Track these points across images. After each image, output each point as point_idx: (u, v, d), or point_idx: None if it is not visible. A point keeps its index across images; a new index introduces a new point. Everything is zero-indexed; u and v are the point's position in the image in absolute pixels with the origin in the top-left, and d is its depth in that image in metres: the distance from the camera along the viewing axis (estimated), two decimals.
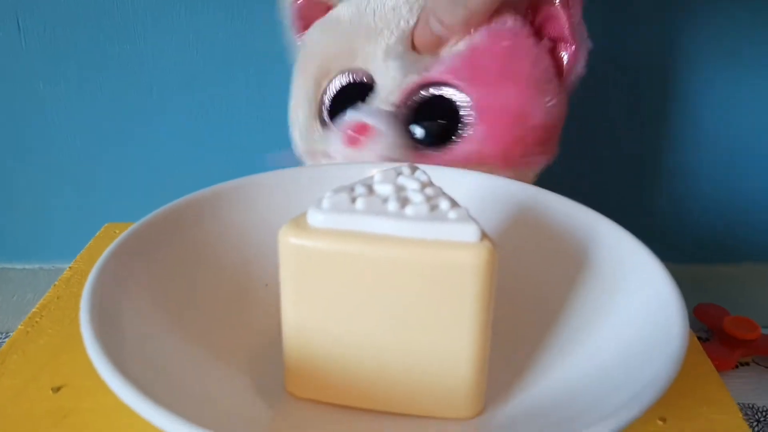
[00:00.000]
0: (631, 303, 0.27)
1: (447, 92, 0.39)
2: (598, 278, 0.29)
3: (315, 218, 0.25)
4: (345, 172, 0.35)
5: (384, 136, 0.37)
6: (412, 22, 0.39)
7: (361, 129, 0.37)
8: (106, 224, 0.44)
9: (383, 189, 0.26)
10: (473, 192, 0.34)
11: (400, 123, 0.38)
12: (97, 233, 0.43)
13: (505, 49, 0.38)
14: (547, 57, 0.39)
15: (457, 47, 0.38)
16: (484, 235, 0.24)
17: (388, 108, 0.39)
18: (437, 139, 0.39)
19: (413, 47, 0.39)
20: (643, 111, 0.57)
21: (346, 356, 0.25)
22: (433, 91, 0.39)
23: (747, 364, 0.50)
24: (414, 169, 0.28)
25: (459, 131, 0.39)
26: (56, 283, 0.38)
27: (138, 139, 0.58)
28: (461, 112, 0.38)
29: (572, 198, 0.32)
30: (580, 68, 0.40)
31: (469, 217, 0.24)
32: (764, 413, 0.45)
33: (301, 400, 0.27)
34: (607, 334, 0.26)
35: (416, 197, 0.25)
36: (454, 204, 0.25)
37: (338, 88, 0.41)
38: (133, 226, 0.29)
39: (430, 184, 0.26)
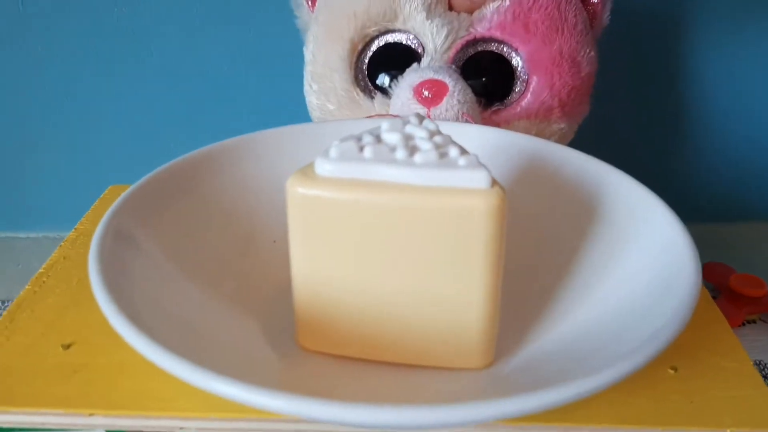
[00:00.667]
0: (643, 251, 0.26)
1: (499, 47, 0.39)
2: (609, 227, 0.29)
3: (323, 167, 0.24)
4: (356, 125, 0.35)
5: (459, 92, 0.36)
6: None
7: (437, 86, 0.36)
8: (110, 186, 0.44)
9: (391, 138, 0.25)
10: (482, 146, 0.33)
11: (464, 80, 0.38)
12: (102, 195, 0.43)
13: (551, 1, 0.38)
14: (582, 7, 0.40)
15: (498, 4, 0.38)
16: (494, 182, 0.24)
17: (439, 64, 0.38)
18: (496, 93, 0.39)
19: (450, 6, 0.39)
20: (652, 69, 0.56)
21: (356, 307, 0.25)
22: (482, 47, 0.39)
23: (754, 321, 0.50)
24: (422, 119, 0.27)
25: (516, 85, 0.39)
26: (62, 243, 0.37)
27: (139, 100, 0.57)
28: (515, 66, 0.39)
29: None
30: (606, 18, 0.41)
31: (479, 164, 0.24)
32: None
33: (311, 352, 0.27)
34: (618, 282, 0.26)
35: (425, 145, 0.25)
36: (463, 151, 0.25)
37: (376, 51, 0.40)
38: (139, 181, 0.29)
39: (439, 132, 0.26)
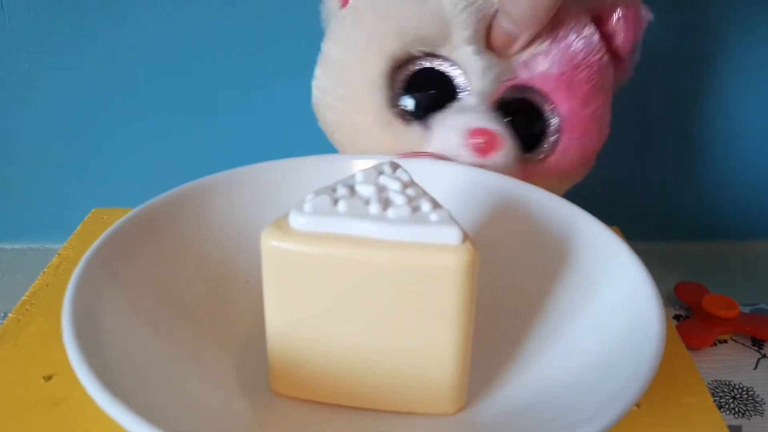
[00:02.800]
0: (609, 302, 0.27)
1: (535, 98, 0.38)
2: (577, 275, 0.29)
3: (297, 221, 0.25)
4: (328, 164, 0.35)
5: (510, 149, 0.35)
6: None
7: (492, 137, 0.35)
8: (93, 209, 0.44)
9: (365, 190, 0.26)
10: (456, 184, 0.34)
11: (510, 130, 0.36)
12: (85, 218, 0.43)
13: (597, 62, 0.37)
14: (612, 65, 0.39)
15: (544, 47, 0.37)
16: (465, 237, 0.24)
17: (484, 107, 0.36)
18: (524, 143, 0.38)
19: (487, 44, 0.37)
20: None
21: (329, 356, 0.26)
22: (521, 94, 0.38)
23: (725, 341, 0.51)
24: (395, 168, 0.27)
25: (544, 140, 0.38)
26: (45, 270, 0.38)
27: (124, 123, 0.57)
28: (547, 121, 0.38)
29: None
30: (626, 79, 0.40)
31: (451, 219, 0.24)
32: (740, 390, 0.47)
33: (284, 398, 0.27)
34: (585, 333, 0.27)
35: (398, 199, 0.25)
36: (436, 205, 0.25)
37: (412, 75, 0.37)
38: (114, 225, 0.29)
39: (412, 183, 0.27)
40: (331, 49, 0.39)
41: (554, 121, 0.38)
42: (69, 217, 0.50)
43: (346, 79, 0.38)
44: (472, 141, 0.35)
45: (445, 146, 0.35)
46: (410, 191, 0.26)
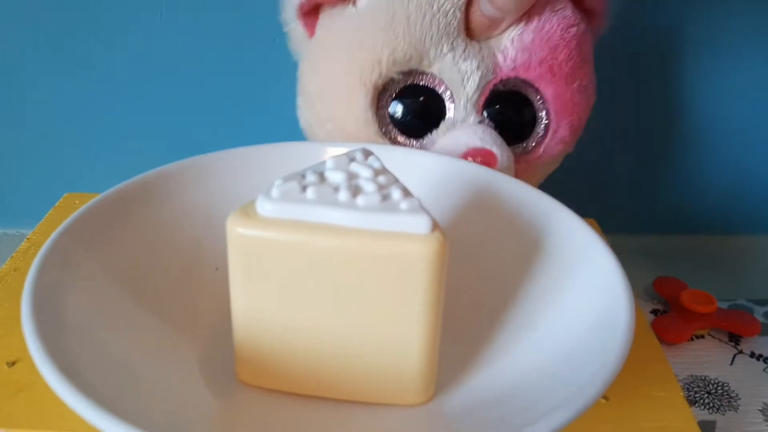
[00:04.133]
0: (581, 294, 0.27)
1: (521, 88, 0.38)
2: (550, 266, 0.29)
3: (264, 207, 0.24)
4: (300, 151, 0.35)
5: (504, 161, 0.35)
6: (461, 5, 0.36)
7: (486, 156, 0.35)
8: (66, 194, 0.43)
9: (335, 177, 0.25)
10: (430, 174, 0.33)
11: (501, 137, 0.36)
12: (57, 203, 0.42)
13: (574, 36, 0.37)
14: (590, 32, 0.39)
15: (520, 32, 0.36)
16: (435, 226, 0.24)
17: (475, 117, 0.36)
18: (514, 133, 0.38)
19: (467, 32, 0.36)
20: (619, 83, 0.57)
21: (296, 344, 0.25)
22: (507, 87, 0.37)
23: (703, 336, 0.51)
24: (368, 155, 0.27)
25: (535, 126, 0.38)
26: (13, 255, 0.37)
27: (97, 107, 0.56)
28: (536, 107, 0.38)
29: None
30: (603, 31, 0.40)
31: (421, 208, 0.24)
32: (715, 385, 0.47)
33: (251, 387, 0.27)
34: (555, 324, 0.27)
35: (368, 186, 0.25)
36: (406, 194, 0.25)
37: (397, 95, 0.37)
38: (82, 207, 0.29)
39: (384, 171, 0.26)
40: (309, 83, 0.39)
41: (543, 107, 0.38)
42: (45, 203, 0.49)
43: (332, 115, 0.38)
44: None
45: None
46: (381, 179, 0.25)
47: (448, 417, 0.25)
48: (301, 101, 0.40)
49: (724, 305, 0.54)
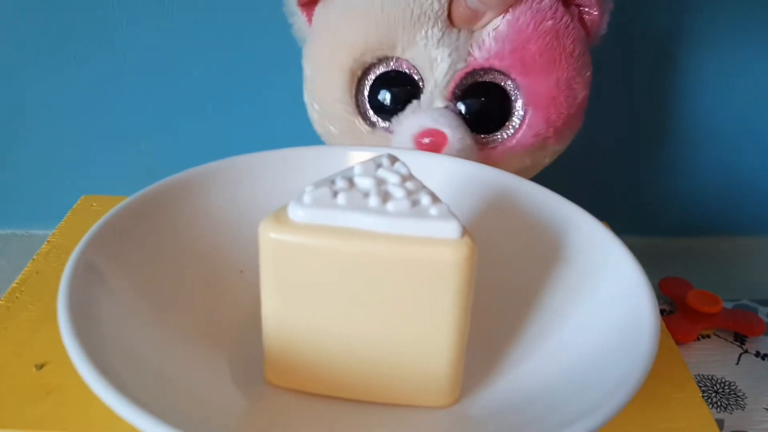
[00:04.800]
0: (605, 297, 0.27)
1: (496, 78, 0.38)
2: (571, 270, 0.30)
3: (296, 213, 0.24)
4: (321, 155, 0.35)
5: (457, 141, 0.36)
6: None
7: (434, 136, 0.36)
8: (83, 196, 0.43)
9: (364, 182, 0.26)
10: (450, 178, 0.34)
11: (462, 118, 0.38)
12: (75, 205, 0.42)
13: (548, 30, 0.37)
14: (579, 27, 0.39)
15: (497, 25, 0.37)
16: (465, 232, 0.24)
17: (441, 102, 0.38)
18: (491, 125, 0.39)
19: (450, 22, 0.37)
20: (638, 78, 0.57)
21: (325, 347, 0.26)
22: (480, 77, 0.38)
23: (708, 336, 0.52)
24: (394, 161, 0.27)
25: (510, 117, 0.39)
26: (35, 257, 0.37)
27: (114, 108, 0.56)
28: (511, 97, 0.38)
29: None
30: (603, 30, 0.40)
31: (451, 214, 0.24)
32: (722, 384, 0.47)
33: (279, 389, 0.27)
34: (580, 327, 0.27)
35: (397, 192, 0.25)
36: (435, 199, 0.25)
37: (375, 80, 0.39)
38: (108, 213, 0.29)
39: (411, 177, 0.26)
40: (306, 68, 0.42)
41: (516, 98, 0.39)
42: (54, 204, 0.49)
43: (318, 96, 0.41)
44: (420, 143, 0.37)
45: (397, 144, 0.38)
46: (409, 184, 0.26)
47: (474, 419, 0.26)
48: (304, 84, 0.42)
49: (729, 305, 0.55)
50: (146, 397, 0.22)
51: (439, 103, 0.38)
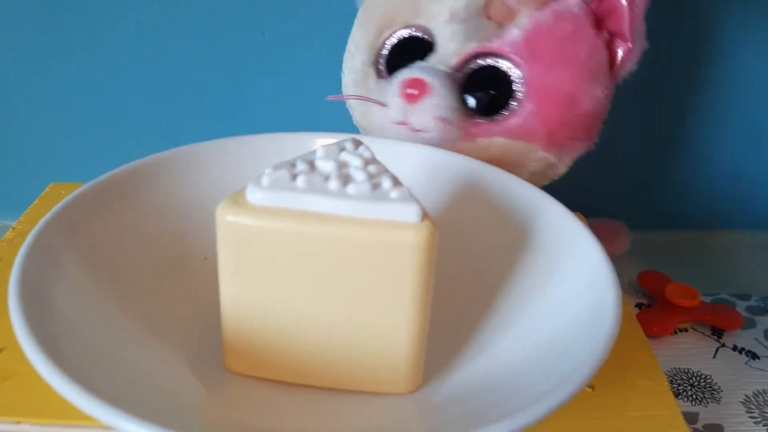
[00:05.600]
0: (569, 285, 0.27)
1: (503, 64, 0.39)
2: (537, 257, 0.29)
3: (254, 195, 0.24)
4: (289, 142, 0.34)
5: (441, 97, 0.38)
6: None
7: (418, 85, 0.38)
8: (51, 184, 0.43)
9: (325, 166, 0.25)
10: (420, 165, 0.33)
11: (456, 86, 0.39)
12: (42, 193, 0.42)
13: (566, 32, 0.38)
14: (603, 49, 0.39)
15: (522, 21, 0.38)
16: (425, 215, 0.24)
17: (445, 69, 0.39)
18: (488, 108, 0.39)
19: (488, 15, 0.39)
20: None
21: (285, 333, 0.25)
22: (489, 61, 0.39)
23: (686, 330, 0.52)
24: (358, 144, 0.27)
25: (509, 104, 0.39)
26: None
27: (82, 96, 0.56)
28: (514, 86, 0.39)
29: None
30: (632, 66, 0.40)
31: (411, 197, 0.24)
32: (698, 378, 0.47)
33: (239, 376, 0.27)
34: (544, 314, 0.27)
35: (358, 175, 0.25)
36: (396, 183, 0.25)
37: (398, 41, 0.42)
38: (70, 196, 0.28)
39: (374, 161, 0.26)
40: (349, 42, 0.45)
41: (517, 87, 0.39)
42: (25, 194, 0.48)
43: (350, 52, 0.44)
44: (403, 91, 0.38)
45: (389, 96, 0.39)
46: (372, 168, 0.25)
47: (435, 405, 0.26)
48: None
49: (708, 300, 0.54)
50: (101, 384, 0.21)
51: (442, 69, 0.39)
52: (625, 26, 0.39)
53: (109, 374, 0.23)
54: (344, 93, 0.44)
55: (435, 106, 0.37)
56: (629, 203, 0.62)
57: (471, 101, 0.39)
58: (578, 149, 0.41)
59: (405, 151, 0.34)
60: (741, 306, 0.55)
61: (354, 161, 0.26)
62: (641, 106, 0.58)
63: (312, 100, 0.54)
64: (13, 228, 0.38)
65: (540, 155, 0.40)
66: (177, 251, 0.31)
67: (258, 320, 0.25)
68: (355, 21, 0.44)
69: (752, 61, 0.57)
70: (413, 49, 0.41)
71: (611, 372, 0.29)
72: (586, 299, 0.26)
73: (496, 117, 0.39)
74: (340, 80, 0.46)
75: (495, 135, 0.39)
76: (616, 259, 0.57)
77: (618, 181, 0.61)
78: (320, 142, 0.34)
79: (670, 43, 0.56)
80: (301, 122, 0.54)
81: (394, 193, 0.24)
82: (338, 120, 0.45)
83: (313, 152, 0.26)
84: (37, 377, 0.26)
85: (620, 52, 0.39)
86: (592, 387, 0.28)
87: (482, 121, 0.39)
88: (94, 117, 0.56)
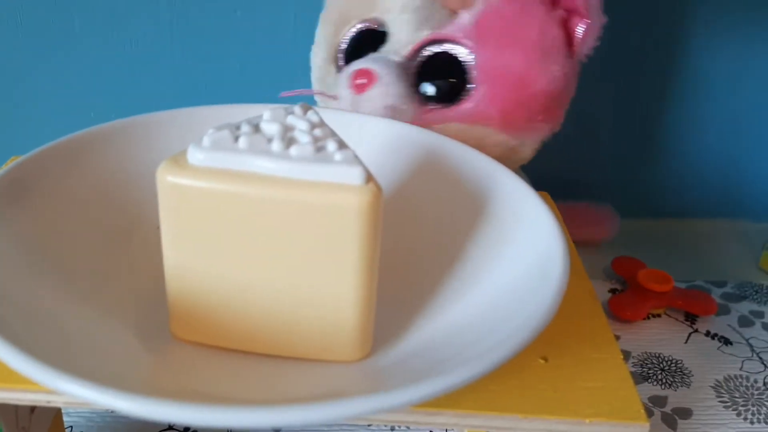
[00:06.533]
0: (520, 251, 0.27)
1: (455, 50, 0.39)
2: (492, 225, 0.29)
3: (195, 156, 0.24)
4: (245, 112, 0.34)
5: (388, 85, 0.38)
6: None
7: (366, 75, 0.38)
8: (12, 157, 0.42)
9: (270, 128, 0.25)
10: (378, 137, 0.33)
11: (408, 75, 0.39)
12: (2, 165, 0.41)
13: (514, 12, 0.38)
14: (556, 27, 0.39)
15: (475, 7, 0.39)
16: (369, 178, 0.24)
17: (397, 59, 0.39)
18: (444, 95, 0.40)
19: (443, 3, 0.39)
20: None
21: (230, 298, 0.25)
22: (442, 48, 0.39)
23: (659, 315, 0.51)
24: (306, 110, 0.27)
25: (465, 90, 0.39)
26: None
27: (51, 67, 0.55)
28: (467, 71, 0.39)
29: None
30: (591, 42, 0.40)
31: (356, 159, 0.24)
32: (669, 362, 0.47)
33: (185, 343, 0.26)
34: (493, 279, 0.26)
35: (303, 137, 0.24)
36: (342, 145, 0.24)
37: (354, 34, 0.42)
38: (17, 160, 0.28)
39: (321, 124, 0.26)
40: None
41: (469, 72, 0.39)
42: None
43: (313, 50, 0.45)
44: (352, 81, 0.39)
45: (340, 88, 0.40)
46: (317, 131, 0.25)
47: (379, 370, 0.25)
48: None
49: (683, 286, 0.54)
50: (43, 349, 0.21)
51: (394, 58, 0.39)
52: (580, 2, 0.38)
53: (54, 340, 0.22)
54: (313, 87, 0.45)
55: (383, 94, 0.38)
56: (608, 191, 0.62)
57: (427, 89, 0.39)
58: (540, 131, 0.41)
59: (360, 123, 0.34)
60: (716, 293, 0.55)
61: (300, 124, 0.25)
62: (619, 95, 0.58)
63: (283, 81, 0.54)
64: None
65: (498, 139, 0.39)
66: (129, 220, 0.30)
67: (202, 284, 0.25)
68: (319, 19, 0.45)
69: (729, 49, 0.57)
70: (369, 42, 0.42)
71: (567, 345, 0.28)
72: (534, 259, 0.25)
73: (452, 103, 0.39)
74: (309, 61, 0.46)
75: (449, 121, 0.39)
76: (602, 244, 0.57)
77: (596, 170, 0.61)
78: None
79: (649, 28, 0.56)
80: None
81: (338, 156, 0.24)
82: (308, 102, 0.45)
83: (260, 116, 0.26)
84: None
85: (578, 30, 0.39)
86: (545, 359, 0.28)
87: (437, 107, 0.39)
88: (55, 90, 0.56)
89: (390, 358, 0.26)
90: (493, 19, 0.38)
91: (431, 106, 0.39)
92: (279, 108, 0.26)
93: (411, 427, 0.42)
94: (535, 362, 0.27)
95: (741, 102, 0.59)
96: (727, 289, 0.55)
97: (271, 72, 0.55)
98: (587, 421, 0.25)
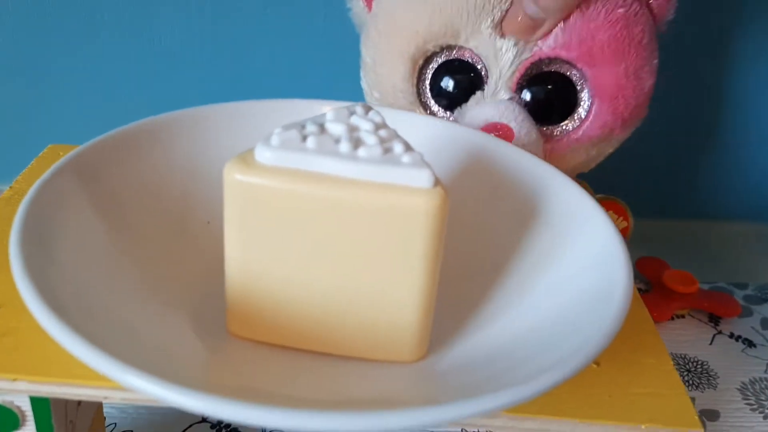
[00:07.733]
0: (579, 260, 0.27)
1: (561, 68, 0.37)
2: (546, 230, 0.29)
3: (263, 155, 0.24)
4: (300, 107, 0.34)
5: (524, 136, 0.36)
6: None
7: (501, 130, 0.35)
8: (49, 145, 0.42)
9: (335, 128, 0.25)
10: (427, 137, 0.33)
11: (527, 112, 0.37)
12: (41, 153, 0.41)
13: (620, 17, 0.36)
14: (647, 13, 0.37)
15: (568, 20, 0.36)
16: (437, 181, 0.24)
17: (506, 92, 0.37)
18: (556, 116, 0.38)
19: (501, 34, 0.37)
20: None
21: (290, 296, 0.25)
22: (546, 67, 0.38)
23: (683, 316, 0.52)
24: (368, 109, 0.27)
25: (576, 108, 0.38)
26: None
27: (87, 56, 0.55)
28: (578, 88, 0.38)
29: None
30: (670, 15, 0.39)
31: (423, 162, 0.24)
32: (694, 363, 0.47)
33: (241, 340, 0.26)
34: (552, 289, 0.26)
35: (369, 139, 0.24)
36: (408, 148, 0.24)
37: (438, 69, 0.39)
38: (76, 149, 0.28)
39: (384, 125, 0.26)
40: (365, 54, 0.41)
41: (585, 88, 0.38)
42: (23, 159, 0.47)
43: (378, 83, 0.40)
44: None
45: None
46: (382, 132, 0.25)
47: (436, 374, 0.25)
48: (361, 73, 0.42)
49: (706, 287, 0.54)
50: (103, 340, 0.21)
51: (504, 95, 0.38)
52: None
53: (113, 333, 0.22)
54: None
55: (522, 146, 0.34)
56: (631, 191, 0.62)
57: (539, 115, 0.38)
58: (643, 117, 0.40)
59: (413, 122, 0.33)
60: (738, 295, 0.55)
61: (364, 125, 0.25)
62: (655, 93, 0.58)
63: (311, 79, 0.54)
64: (11, 187, 0.37)
65: (615, 140, 0.39)
66: (180, 213, 0.30)
67: (262, 283, 0.25)
68: (370, 47, 0.40)
69: (752, 55, 0.57)
70: (459, 72, 0.39)
71: (618, 349, 0.28)
72: (596, 275, 0.25)
73: (568, 123, 0.38)
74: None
75: (579, 143, 0.38)
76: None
77: (620, 169, 0.61)
78: (327, 109, 0.34)
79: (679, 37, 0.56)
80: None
81: (405, 158, 0.24)
82: (345, 93, 0.44)
83: (323, 115, 0.26)
84: (35, 334, 0.26)
85: (655, 4, 0.38)
86: (597, 363, 0.28)
87: (558, 133, 0.38)
88: (90, 79, 0.55)
89: (445, 363, 0.26)
90: (600, 31, 0.36)
91: (546, 129, 0.38)
92: (341, 107, 0.26)
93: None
94: (588, 367, 0.27)
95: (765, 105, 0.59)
96: (749, 291, 0.56)
97: (298, 70, 0.55)
98: (643, 426, 0.25)
